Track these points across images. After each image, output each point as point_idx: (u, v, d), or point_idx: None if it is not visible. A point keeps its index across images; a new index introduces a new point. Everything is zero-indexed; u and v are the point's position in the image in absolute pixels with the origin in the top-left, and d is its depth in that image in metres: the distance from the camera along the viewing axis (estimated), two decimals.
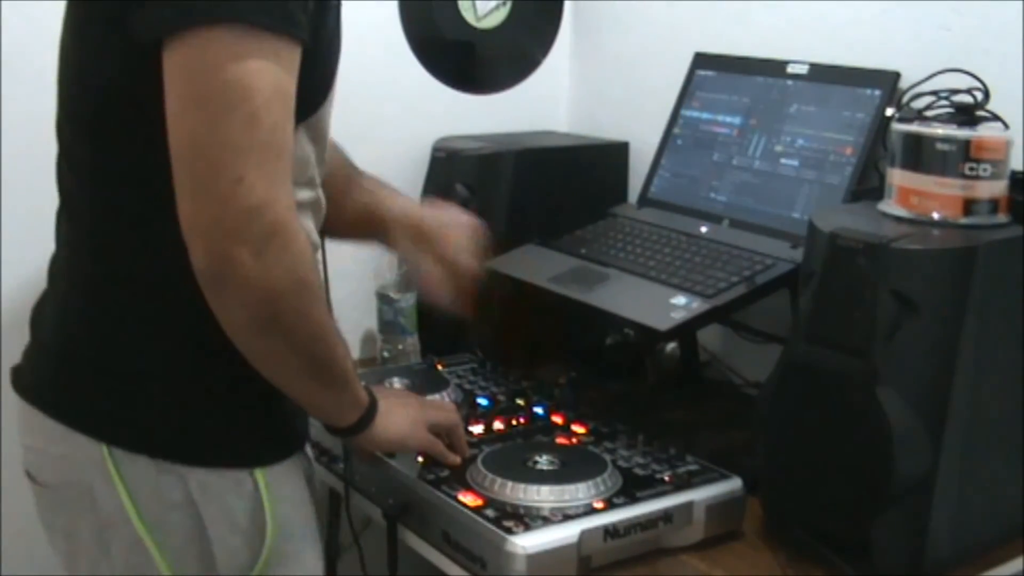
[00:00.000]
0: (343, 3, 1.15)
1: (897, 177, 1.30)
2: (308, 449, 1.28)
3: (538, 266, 1.70)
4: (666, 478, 1.32)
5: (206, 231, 1.00)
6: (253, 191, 0.99)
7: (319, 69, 1.11)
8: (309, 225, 1.18)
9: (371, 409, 1.24)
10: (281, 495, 1.18)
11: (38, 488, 1.23)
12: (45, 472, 1.21)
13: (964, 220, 1.26)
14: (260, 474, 1.16)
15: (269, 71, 1.00)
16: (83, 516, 1.17)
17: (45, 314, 1.24)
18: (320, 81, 1.13)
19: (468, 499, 1.26)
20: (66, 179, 1.20)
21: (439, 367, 1.71)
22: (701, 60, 1.84)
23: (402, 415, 1.30)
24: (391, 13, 1.90)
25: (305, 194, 1.17)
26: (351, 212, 1.43)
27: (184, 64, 1.00)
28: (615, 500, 1.26)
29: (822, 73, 1.66)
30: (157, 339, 1.14)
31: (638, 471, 1.34)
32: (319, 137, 1.17)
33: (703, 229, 1.69)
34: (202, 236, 1.00)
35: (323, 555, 1.28)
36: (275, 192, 1.00)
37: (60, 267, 1.23)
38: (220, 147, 0.99)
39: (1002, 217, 1.28)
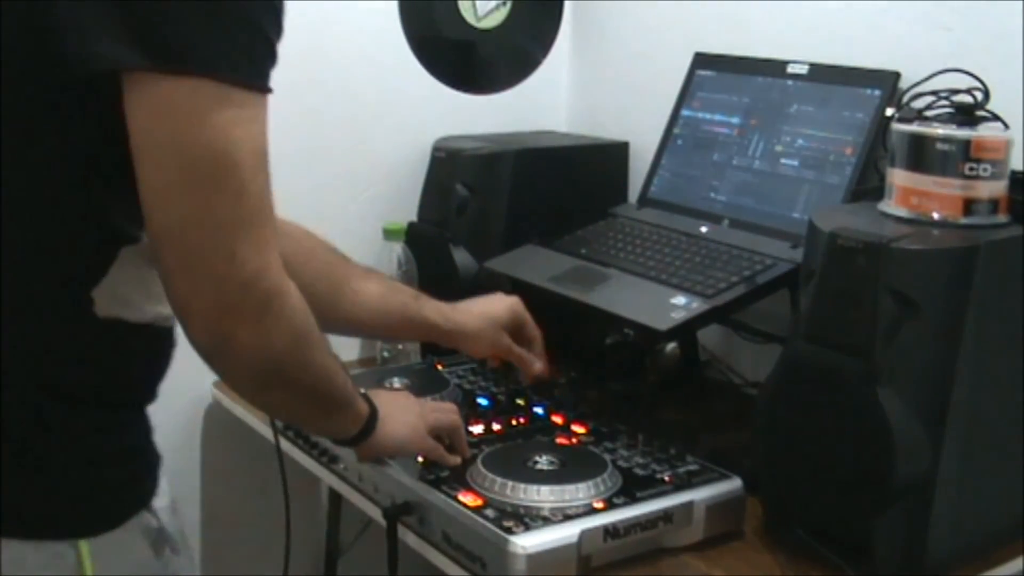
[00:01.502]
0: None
1: (897, 177, 1.30)
2: (158, 502, 1.09)
3: (538, 266, 1.70)
4: (666, 478, 1.32)
5: (203, 310, 0.96)
6: (246, 265, 0.95)
7: None
8: None
9: (371, 419, 1.24)
10: (113, 567, 1.03)
11: None
12: None
13: (964, 220, 1.26)
14: (84, 545, 1.01)
15: (252, 135, 0.95)
16: None
17: None
18: None
19: (468, 499, 1.26)
20: None
21: (439, 367, 1.71)
22: (701, 60, 1.84)
23: (402, 420, 1.30)
24: (391, 13, 1.89)
25: None
26: (370, 316, 1.43)
27: (163, 131, 0.92)
28: (615, 500, 1.26)
29: (822, 73, 1.65)
30: None
31: (638, 471, 1.34)
32: None
33: (703, 229, 1.69)
34: (199, 315, 0.97)
35: None
36: (265, 259, 0.97)
37: None
38: (212, 228, 0.94)
39: (1002, 217, 1.28)
